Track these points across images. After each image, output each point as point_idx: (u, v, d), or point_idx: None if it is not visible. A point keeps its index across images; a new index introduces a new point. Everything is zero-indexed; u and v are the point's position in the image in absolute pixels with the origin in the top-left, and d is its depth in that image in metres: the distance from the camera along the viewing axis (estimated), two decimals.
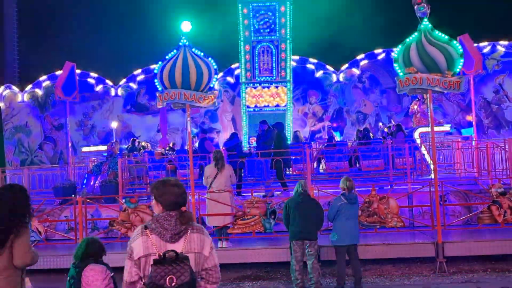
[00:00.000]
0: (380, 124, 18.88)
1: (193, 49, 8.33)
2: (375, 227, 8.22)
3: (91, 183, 11.51)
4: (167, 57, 8.23)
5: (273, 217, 8.21)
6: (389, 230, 8.38)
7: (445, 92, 8.27)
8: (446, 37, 7.92)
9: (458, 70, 7.86)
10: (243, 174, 13.61)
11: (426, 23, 8.00)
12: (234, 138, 11.15)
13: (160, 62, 8.32)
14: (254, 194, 9.25)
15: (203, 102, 8.26)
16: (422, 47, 7.88)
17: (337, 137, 17.37)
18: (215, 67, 8.34)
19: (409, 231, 8.92)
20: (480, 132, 18.44)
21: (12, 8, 28.92)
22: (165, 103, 8.27)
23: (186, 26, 8.42)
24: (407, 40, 7.95)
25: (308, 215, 6.90)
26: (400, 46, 8.02)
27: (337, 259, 7.16)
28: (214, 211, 8.17)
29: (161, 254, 2.74)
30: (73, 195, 10.69)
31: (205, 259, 2.89)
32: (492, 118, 18.89)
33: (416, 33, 7.97)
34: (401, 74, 8.08)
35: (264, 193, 10.04)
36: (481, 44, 18.72)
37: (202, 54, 8.37)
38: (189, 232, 2.87)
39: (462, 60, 7.84)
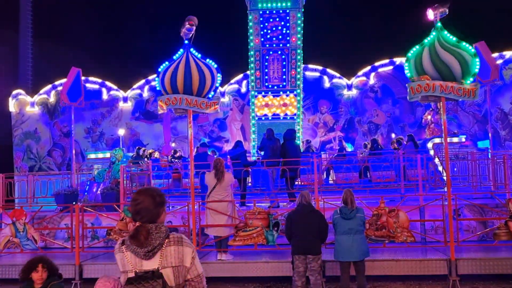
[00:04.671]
0: (393, 135, 18.44)
1: (197, 54, 8.08)
2: (383, 242, 7.77)
3: (94, 191, 11.27)
4: (165, 64, 7.96)
5: (276, 229, 7.83)
6: (399, 245, 7.93)
7: (460, 100, 7.85)
8: (455, 38, 7.52)
9: (476, 70, 7.43)
10: (250, 183, 13.32)
11: (439, 27, 7.62)
12: (238, 147, 10.81)
13: (165, 63, 8.05)
14: (260, 205, 8.92)
15: (206, 108, 7.97)
16: (435, 52, 7.50)
17: (348, 148, 16.96)
18: (219, 76, 8.05)
19: (420, 247, 8.46)
20: (496, 144, 17.87)
21: (27, 17, 29.28)
22: (166, 109, 7.98)
23: (190, 32, 8.18)
24: (419, 45, 7.57)
25: (311, 228, 6.52)
26: (412, 50, 7.63)
27: (340, 274, 6.77)
28: (214, 221, 7.82)
29: (136, 271, 2.65)
30: (74, 203, 10.46)
31: (187, 270, 2.73)
32: (509, 129, 18.30)
33: (429, 38, 7.59)
34: (412, 80, 7.70)
35: (269, 204, 9.67)
36: (498, 54, 18.21)
37: (212, 62, 8.09)
38: (165, 246, 2.69)
39: (477, 60, 7.41)
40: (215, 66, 8.09)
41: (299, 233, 6.54)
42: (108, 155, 13.97)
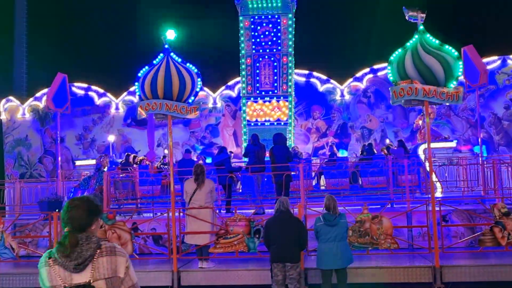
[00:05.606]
0: (387, 140, 18.30)
1: (177, 58, 7.97)
2: (367, 249, 7.61)
3: None
4: (144, 69, 7.85)
5: (257, 236, 7.68)
6: (383, 252, 7.77)
7: (443, 104, 7.75)
8: (437, 41, 7.42)
9: (459, 74, 7.33)
10: (240, 190, 13.15)
11: (421, 30, 7.53)
12: (222, 153, 10.66)
13: (142, 70, 7.94)
14: (246, 212, 8.76)
15: (186, 113, 7.85)
16: (418, 56, 7.40)
17: (339, 154, 16.81)
18: (200, 81, 7.94)
19: (407, 254, 8.29)
20: (490, 149, 17.74)
21: (22, 24, 29.23)
22: (146, 114, 7.87)
23: (170, 34, 8.10)
24: (401, 49, 7.47)
25: (289, 235, 6.37)
26: (394, 54, 7.53)
27: (322, 283, 6.61)
28: (194, 228, 7.68)
29: (66, 286, 2.52)
30: (57, 210, 10.29)
31: (121, 281, 2.61)
32: (503, 134, 18.15)
33: (411, 41, 7.49)
34: (393, 79, 7.61)
35: (254, 210, 9.46)
36: (491, 58, 18.15)
37: (192, 67, 7.99)
38: (96, 257, 2.56)
39: (461, 63, 7.30)
40: (196, 70, 7.99)
41: (277, 241, 6.39)
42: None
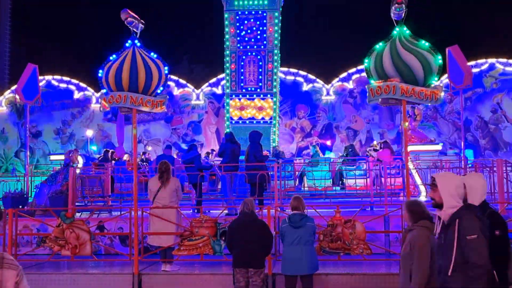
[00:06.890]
0: (375, 142, 17.98)
1: (153, 54, 7.53)
2: (338, 254, 7.23)
3: (46, 193, 10.61)
4: (111, 58, 7.40)
5: (224, 238, 7.26)
6: (356, 258, 7.39)
7: (422, 103, 7.40)
8: (427, 44, 7.06)
9: (432, 84, 6.98)
10: (219, 189, 12.72)
11: (401, 27, 7.15)
12: (192, 150, 10.22)
13: (111, 57, 7.47)
14: (214, 212, 8.35)
15: (152, 107, 7.41)
16: (396, 53, 7.03)
17: (321, 155, 16.44)
18: (166, 70, 7.51)
19: (382, 260, 7.92)
20: (476, 153, 17.48)
21: (6, 16, 28.56)
22: (109, 107, 7.42)
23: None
24: (378, 46, 7.08)
25: (253, 239, 5.97)
26: (369, 54, 7.14)
27: None
28: (157, 229, 7.25)
29: None
30: (20, 206, 9.82)
31: None
32: (490, 138, 17.91)
33: (389, 38, 7.11)
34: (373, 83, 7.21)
35: (222, 211, 9.02)
36: (479, 61, 17.91)
37: (154, 55, 7.57)
38: None
39: (436, 78, 6.94)
40: (166, 69, 7.54)
41: (240, 244, 5.99)
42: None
